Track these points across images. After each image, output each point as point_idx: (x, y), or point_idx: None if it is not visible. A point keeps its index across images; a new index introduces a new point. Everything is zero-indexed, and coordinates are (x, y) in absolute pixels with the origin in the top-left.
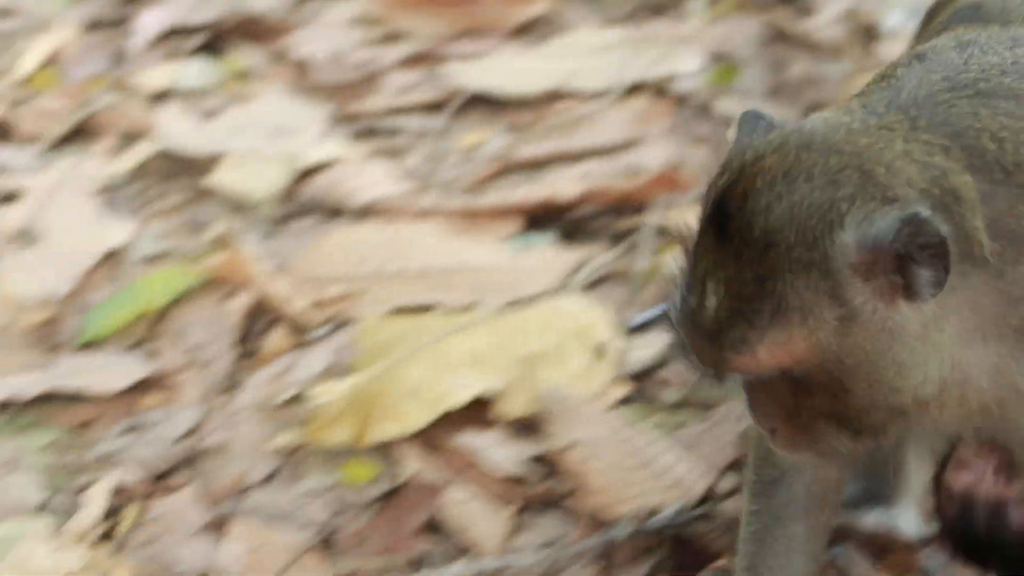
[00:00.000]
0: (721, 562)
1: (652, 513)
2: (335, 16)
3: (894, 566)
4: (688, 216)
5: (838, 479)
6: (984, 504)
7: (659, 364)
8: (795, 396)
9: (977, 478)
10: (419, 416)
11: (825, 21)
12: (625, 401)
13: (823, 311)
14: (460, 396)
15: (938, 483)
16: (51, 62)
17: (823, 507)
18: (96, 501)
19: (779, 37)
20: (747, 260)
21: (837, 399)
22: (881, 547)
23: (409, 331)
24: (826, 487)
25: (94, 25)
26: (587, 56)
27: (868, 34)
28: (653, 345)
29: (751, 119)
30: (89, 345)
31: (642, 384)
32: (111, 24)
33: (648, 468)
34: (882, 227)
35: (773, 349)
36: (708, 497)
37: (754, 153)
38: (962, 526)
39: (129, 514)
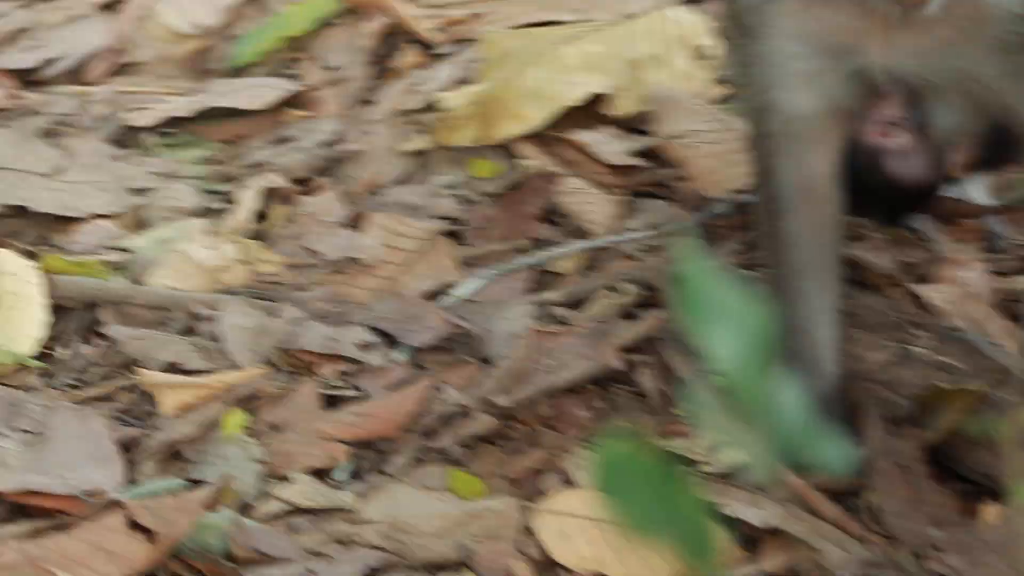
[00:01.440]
0: None
1: (748, 192)
2: None
3: (964, 231)
4: None
5: (824, 177)
6: (862, 151)
7: None
8: None
9: (860, 127)
10: (538, 115)
11: None
12: (724, 100)
13: None
14: (575, 95)
15: None
16: None
17: (814, 202)
18: (248, 202)
19: None
20: None
21: None
22: (952, 216)
23: (528, 43)
24: (810, 182)
25: None
26: None
27: None
28: None
29: None
30: (238, 70)
31: None
32: None
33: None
34: None
35: None
36: None
37: None
38: (846, 170)
39: (278, 212)
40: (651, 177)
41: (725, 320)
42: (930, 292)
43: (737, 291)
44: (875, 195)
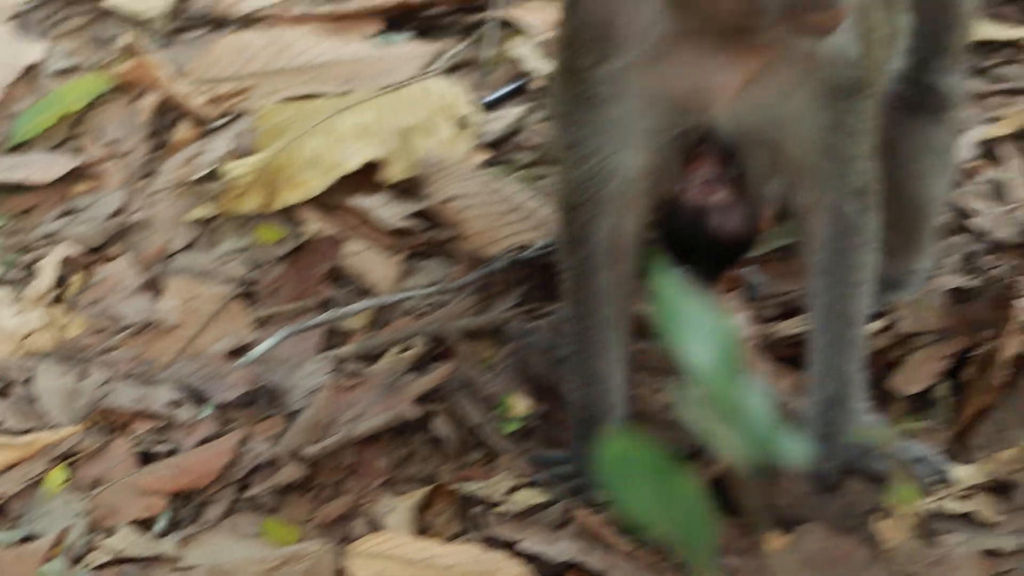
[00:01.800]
0: None
1: (522, 249)
2: None
3: (724, 283)
4: (525, 9)
5: (633, 235)
6: (686, 209)
7: (512, 133)
8: None
9: (684, 187)
10: (317, 183)
11: None
12: (488, 163)
13: None
14: (351, 164)
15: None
16: None
17: (622, 259)
18: (47, 271)
19: None
20: None
21: None
22: None
23: (300, 114)
24: (622, 241)
25: None
26: None
27: None
28: (505, 118)
29: None
30: (19, 147)
31: (500, 150)
32: None
33: (515, 213)
34: None
35: None
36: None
37: None
38: (670, 227)
39: (76, 280)
40: (427, 238)
41: (698, 332)
42: None
43: (707, 306)
44: (699, 250)
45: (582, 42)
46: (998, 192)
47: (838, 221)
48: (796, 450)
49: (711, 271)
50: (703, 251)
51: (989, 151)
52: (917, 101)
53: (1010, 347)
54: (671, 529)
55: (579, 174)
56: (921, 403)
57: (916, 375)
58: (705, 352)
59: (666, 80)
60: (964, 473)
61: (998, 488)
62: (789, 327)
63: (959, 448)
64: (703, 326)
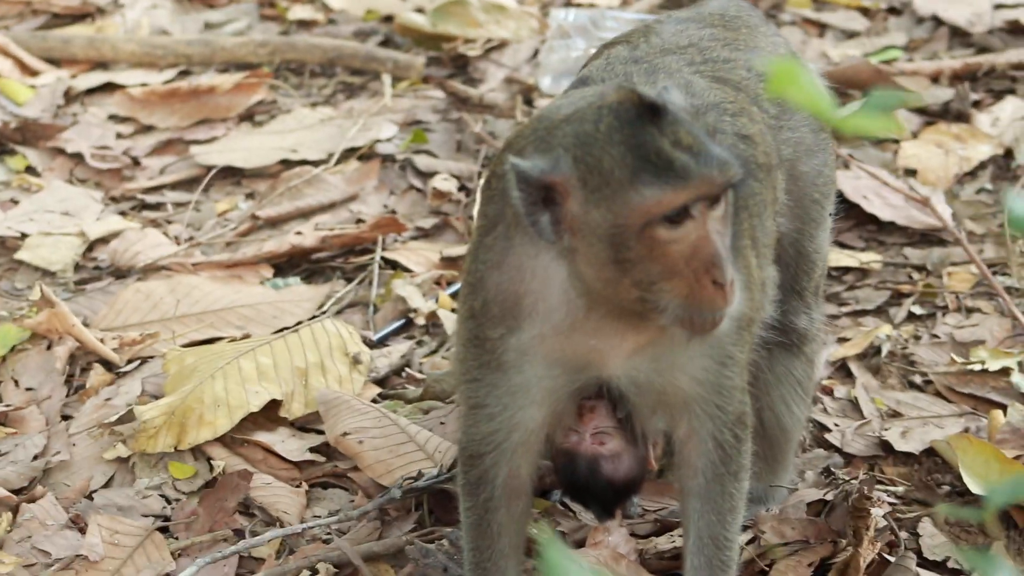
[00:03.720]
0: None
1: (415, 478)
2: (94, 116)
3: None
4: (406, 251)
5: (529, 475)
6: (583, 459)
7: (401, 368)
8: None
9: (579, 438)
10: (223, 422)
11: (491, 87)
12: (380, 397)
13: None
14: (254, 403)
15: (552, 441)
16: None
17: (519, 496)
18: None
19: (456, 103)
20: None
21: None
22: None
23: (204, 358)
24: (520, 482)
25: None
26: (305, 132)
27: (527, 95)
28: (393, 354)
29: None
30: None
31: (390, 383)
32: None
33: (407, 444)
34: None
35: None
36: (456, 463)
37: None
38: (568, 475)
39: (4, 520)
40: (328, 470)
41: None
42: (584, 555)
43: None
44: (596, 492)
45: (490, 316)
46: (850, 408)
47: (716, 450)
48: None
49: (607, 507)
50: (599, 493)
51: (841, 369)
52: (778, 339)
53: (867, 554)
54: None
55: (483, 429)
56: None
57: None
58: None
59: (569, 347)
60: None
61: None
62: (664, 542)
63: None
64: None
